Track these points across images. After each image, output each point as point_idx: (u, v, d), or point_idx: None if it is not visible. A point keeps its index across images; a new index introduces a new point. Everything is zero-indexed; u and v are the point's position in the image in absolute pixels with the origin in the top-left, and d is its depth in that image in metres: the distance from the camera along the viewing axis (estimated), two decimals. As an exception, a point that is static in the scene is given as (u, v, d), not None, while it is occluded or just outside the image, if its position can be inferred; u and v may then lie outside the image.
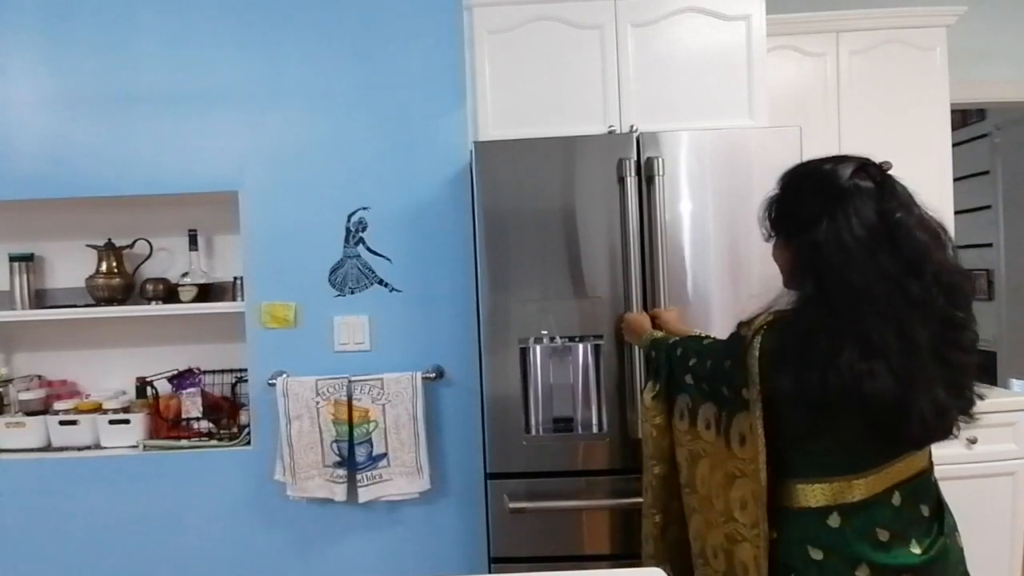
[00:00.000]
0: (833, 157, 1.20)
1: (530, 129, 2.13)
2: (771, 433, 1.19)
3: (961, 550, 1.22)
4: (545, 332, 1.98)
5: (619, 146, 1.99)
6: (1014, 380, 3.80)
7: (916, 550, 1.13)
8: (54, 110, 2.27)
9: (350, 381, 2.19)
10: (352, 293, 2.28)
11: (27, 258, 2.44)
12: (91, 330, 2.48)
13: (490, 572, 1.99)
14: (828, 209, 1.12)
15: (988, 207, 4.24)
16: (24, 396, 2.39)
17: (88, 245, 2.43)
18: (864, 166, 1.15)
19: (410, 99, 2.28)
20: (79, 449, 2.34)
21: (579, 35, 2.19)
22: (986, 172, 4.24)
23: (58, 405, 2.39)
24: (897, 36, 2.53)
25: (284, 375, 2.23)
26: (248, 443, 2.31)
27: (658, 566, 1.36)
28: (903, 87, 2.54)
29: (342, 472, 2.19)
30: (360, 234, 2.27)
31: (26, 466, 2.29)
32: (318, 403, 2.18)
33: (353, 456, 2.19)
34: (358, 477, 2.18)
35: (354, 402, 2.18)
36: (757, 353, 1.18)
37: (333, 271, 2.28)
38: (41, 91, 2.28)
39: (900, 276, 1.07)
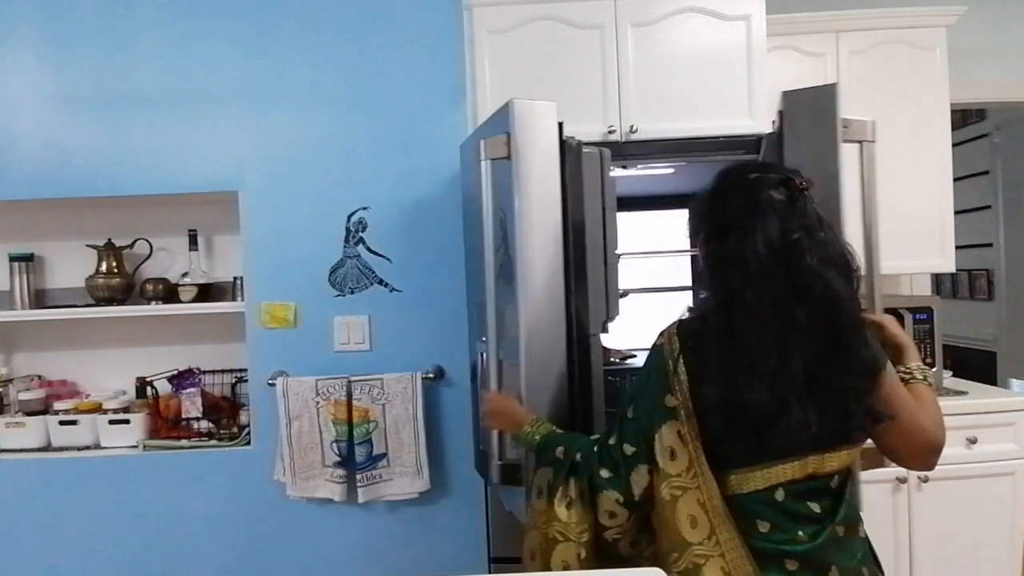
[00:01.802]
0: (762, 166, 1.24)
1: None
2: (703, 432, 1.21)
3: (864, 541, 1.24)
4: (485, 340, 1.62)
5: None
6: (1014, 380, 3.81)
7: (801, 536, 1.16)
8: (54, 110, 2.27)
9: (350, 381, 2.19)
10: (352, 293, 2.28)
11: (27, 258, 2.44)
12: (91, 330, 2.48)
13: (490, 572, 1.99)
14: (741, 221, 1.16)
15: (988, 207, 4.24)
16: (24, 396, 2.39)
17: (88, 245, 2.43)
18: (786, 181, 1.18)
19: (410, 99, 2.28)
20: (79, 449, 2.33)
21: (579, 35, 2.19)
22: (986, 172, 4.24)
23: (58, 405, 2.39)
24: (897, 36, 2.53)
25: (284, 375, 2.23)
26: (248, 443, 2.31)
27: None
28: (903, 87, 2.54)
29: (342, 472, 2.19)
30: (360, 234, 2.27)
31: (26, 466, 2.29)
32: (318, 403, 2.18)
33: (353, 456, 2.18)
34: (358, 477, 2.18)
35: (354, 402, 2.18)
36: (677, 354, 1.21)
37: (333, 271, 2.28)
38: (41, 91, 2.27)
39: (786, 297, 1.12)
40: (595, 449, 1.30)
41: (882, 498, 2.23)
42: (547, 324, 1.52)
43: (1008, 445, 2.30)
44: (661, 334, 1.27)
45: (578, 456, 1.31)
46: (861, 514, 1.27)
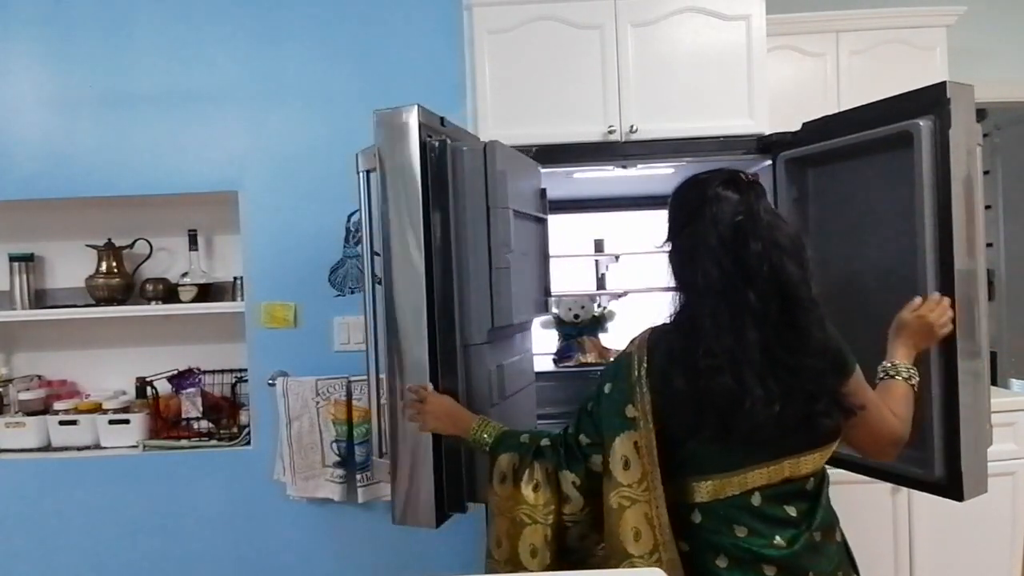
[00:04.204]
0: (713, 170, 1.26)
1: (530, 129, 2.14)
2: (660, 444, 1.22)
3: (840, 545, 1.26)
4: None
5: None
6: (1014, 380, 3.81)
7: (779, 542, 1.18)
8: (54, 110, 2.27)
9: (350, 381, 2.19)
10: (352, 293, 2.27)
11: (27, 258, 2.44)
12: (91, 330, 2.48)
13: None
14: (691, 218, 1.21)
15: (988, 207, 4.24)
16: (24, 396, 2.39)
17: (88, 245, 2.43)
18: (733, 178, 1.21)
19: (410, 99, 2.24)
20: (79, 449, 2.34)
21: (579, 35, 2.19)
22: (986, 172, 4.23)
23: (58, 405, 2.39)
24: (897, 36, 2.53)
25: (284, 375, 2.23)
26: (248, 443, 2.31)
27: None
28: (903, 87, 2.52)
29: (342, 472, 2.19)
30: (360, 234, 2.27)
31: (26, 466, 2.29)
32: (318, 403, 2.18)
33: (353, 456, 2.18)
34: (358, 477, 2.18)
35: (354, 402, 2.18)
36: (646, 364, 1.22)
37: (333, 271, 2.28)
38: (41, 91, 2.27)
39: (736, 280, 1.15)
40: (559, 434, 1.34)
41: (882, 498, 2.23)
42: (409, 335, 1.52)
43: (1008, 445, 2.30)
44: (632, 342, 1.28)
45: (544, 441, 1.34)
46: (838, 516, 1.28)
